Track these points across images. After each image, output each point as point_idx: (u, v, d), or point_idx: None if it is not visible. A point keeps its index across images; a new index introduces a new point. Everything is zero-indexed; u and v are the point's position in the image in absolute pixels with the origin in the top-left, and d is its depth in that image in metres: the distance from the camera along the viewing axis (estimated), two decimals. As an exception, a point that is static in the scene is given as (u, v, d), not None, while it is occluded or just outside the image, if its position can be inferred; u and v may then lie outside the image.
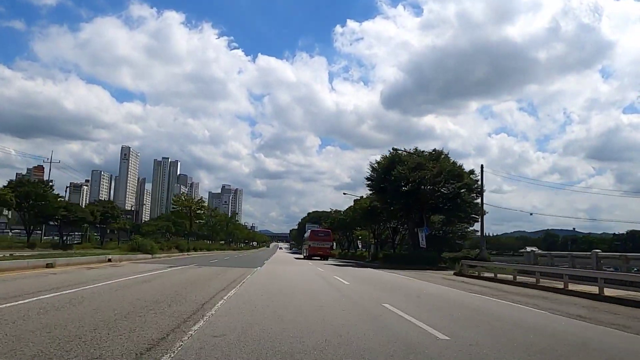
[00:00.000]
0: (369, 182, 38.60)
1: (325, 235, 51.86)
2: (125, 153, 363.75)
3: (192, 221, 54.23)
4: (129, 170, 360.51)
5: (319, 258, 46.76)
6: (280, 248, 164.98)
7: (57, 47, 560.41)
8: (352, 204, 58.16)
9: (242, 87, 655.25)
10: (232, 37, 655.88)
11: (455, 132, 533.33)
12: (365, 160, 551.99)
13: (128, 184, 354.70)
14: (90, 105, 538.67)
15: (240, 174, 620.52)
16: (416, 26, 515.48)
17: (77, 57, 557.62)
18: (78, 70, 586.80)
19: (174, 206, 55.28)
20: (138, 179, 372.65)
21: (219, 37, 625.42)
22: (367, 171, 39.68)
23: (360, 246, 63.77)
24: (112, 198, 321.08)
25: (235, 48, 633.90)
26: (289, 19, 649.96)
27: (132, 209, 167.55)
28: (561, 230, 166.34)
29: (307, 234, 59.88)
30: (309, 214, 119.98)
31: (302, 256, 56.21)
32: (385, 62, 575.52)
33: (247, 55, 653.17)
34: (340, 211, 72.97)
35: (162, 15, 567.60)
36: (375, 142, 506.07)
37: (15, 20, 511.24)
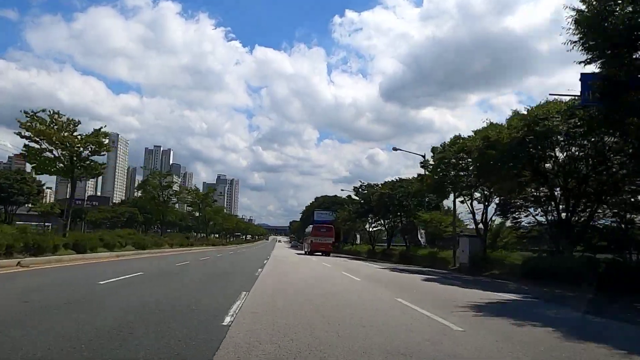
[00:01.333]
0: (582, 32, 10.57)
1: (327, 231, 49.62)
2: (114, 140, 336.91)
3: (75, 177, 23.26)
4: (118, 159, 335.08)
5: (320, 254, 44.35)
6: (279, 241, 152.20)
7: (51, 37, 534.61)
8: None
9: (239, 79, 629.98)
10: (229, 28, 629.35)
11: (454, 125, 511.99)
12: (364, 153, 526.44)
13: (117, 174, 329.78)
14: (85, 97, 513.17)
15: (237, 167, 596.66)
16: (416, 17, 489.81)
17: (71, 47, 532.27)
18: (72, 61, 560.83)
19: (24, 150, 21.65)
20: (128, 168, 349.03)
21: (215, 28, 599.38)
22: (567, 16, 11.76)
23: (423, 240, 36.07)
24: (99, 188, 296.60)
25: (232, 39, 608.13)
26: (286, 8, 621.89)
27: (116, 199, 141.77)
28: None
29: (308, 229, 59.79)
30: (316, 198, 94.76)
31: (302, 252, 55.30)
32: (384, 53, 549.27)
33: (244, 47, 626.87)
34: (375, 185, 46.04)
35: (157, 5, 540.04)
36: (374, 135, 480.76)
37: (7, 10, 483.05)
